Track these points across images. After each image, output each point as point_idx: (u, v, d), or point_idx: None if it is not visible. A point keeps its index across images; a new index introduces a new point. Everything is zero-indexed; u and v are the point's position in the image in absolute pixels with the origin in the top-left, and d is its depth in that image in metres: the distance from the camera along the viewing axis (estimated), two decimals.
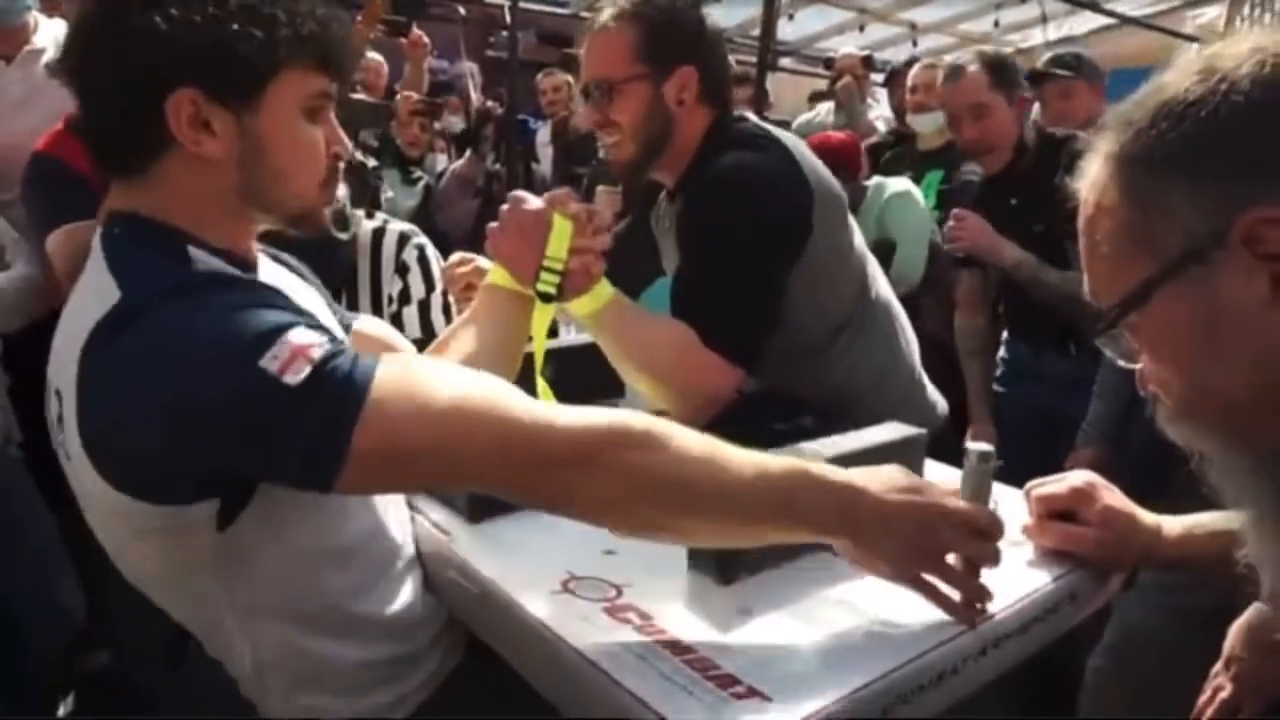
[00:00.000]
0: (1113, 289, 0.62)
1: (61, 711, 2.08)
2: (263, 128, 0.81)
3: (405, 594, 0.96)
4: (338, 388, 0.70)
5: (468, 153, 3.74)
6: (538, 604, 0.85)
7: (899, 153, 3.05)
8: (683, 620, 0.83)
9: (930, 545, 0.80)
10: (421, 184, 4.09)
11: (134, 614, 0.97)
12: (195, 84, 0.78)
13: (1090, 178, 0.63)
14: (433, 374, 0.76)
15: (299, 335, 0.71)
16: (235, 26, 0.78)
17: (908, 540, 0.79)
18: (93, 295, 0.76)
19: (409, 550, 0.99)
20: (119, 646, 1.99)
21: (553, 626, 0.81)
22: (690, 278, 1.25)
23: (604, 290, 1.18)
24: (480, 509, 1.04)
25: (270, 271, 0.95)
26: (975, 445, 0.84)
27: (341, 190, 1.58)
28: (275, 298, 0.78)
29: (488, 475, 0.76)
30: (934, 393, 1.52)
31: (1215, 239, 0.57)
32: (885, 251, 2.53)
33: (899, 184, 2.66)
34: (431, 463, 0.74)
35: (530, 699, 0.84)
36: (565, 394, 1.19)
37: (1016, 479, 1.04)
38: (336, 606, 0.90)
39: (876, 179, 2.72)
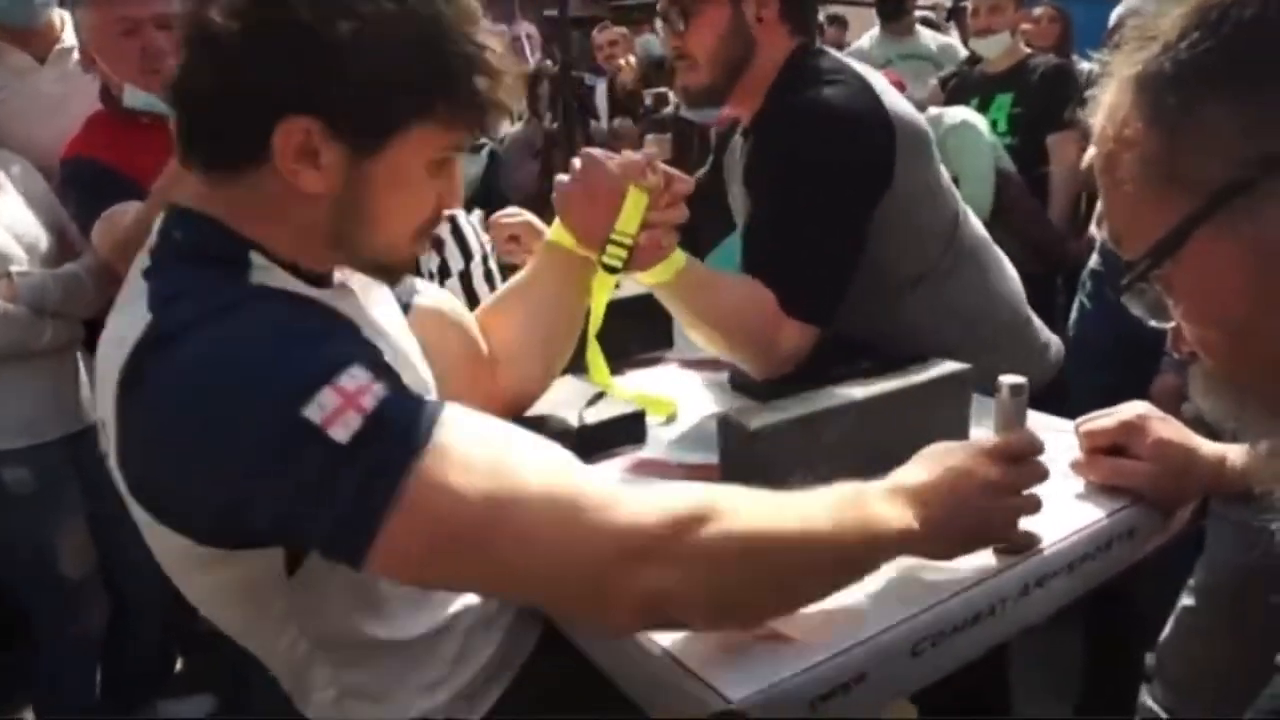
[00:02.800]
0: (1140, 234, 0.53)
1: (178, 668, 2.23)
2: (377, 173, 0.71)
3: (470, 621, 0.86)
4: (387, 445, 0.60)
5: (524, 115, 3.73)
6: None
7: (964, 78, 2.90)
8: None
9: (984, 499, 0.76)
10: (485, 150, 4.12)
11: None
12: (318, 115, 0.67)
13: (1106, 106, 0.54)
14: (502, 433, 0.67)
15: (352, 378, 0.61)
16: (389, 68, 0.67)
17: (975, 508, 0.75)
18: (128, 318, 0.68)
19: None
20: None
21: None
22: (765, 229, 1.19)
23: (675, 261, 1.08)
24: None
25: (344, 289, 0.82)
26: (1007, 378, 0.79)
27: None
28: (336, 324, 0.70)
29: (549, 587, 0.65)
30: (1045, 334, 1.43)
31: (1266, 164, 0.47)
32: None
33: (956, 115, 2.53)
34: (480, 562, 0.64)
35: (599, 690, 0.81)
36: (610, 347, 1.19)
37: (1099, 406, 0.96)
38: (400, 640, 0.81)
39: (933, 110, 2.60)
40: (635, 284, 1.14)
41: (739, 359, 1.19)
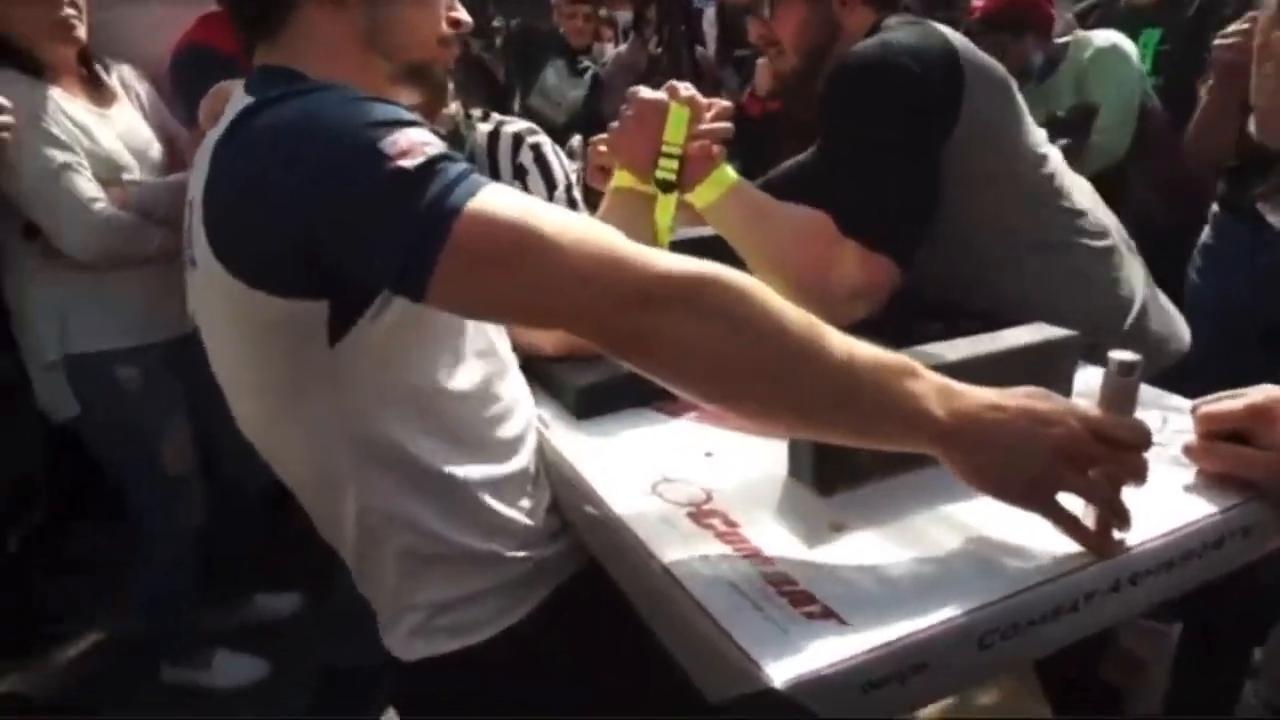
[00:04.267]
0: None
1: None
2: None
3: (520, 473, 0.92)
4: (449, 179, 0.70)
5: (630, 37, 3.63)
6: (622, 502, 0.83)
7: (1106, 9, 2.64)
8: (769, 531, 0.78)
9: (1058, 459, 0.69)
10: (589, 74, 4.05)
11: None
12: None
13: (1262, 19, 0.48)
14: (543, 201, 0.75)
15: (418, 133, 0.72)
16: None
17: (1030, 450, 0.69)
18: (229, 113, 0.80)
19: (527, 435, 0.95)
20: None
21: (630, 526, 0.79)
22: (822, 160, 1.18)
23: (725, 176, 1.14)
24: (588, 405, 1.03)
25: None
26: (1117, 353, 0.71)
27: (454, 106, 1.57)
28: (400, 109, 0.77)
29: (581, 297, 0.70)
30: (1167, 324, 1.29)
31: None
32: (1085, 117, 2.23)
33: (1106, 37, 2.31)
34: (528, 272, 0.70)
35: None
36: None
37: (1210, 390, 0.86)
38: (445, 473, 0.86)
39: (1081, 33, 2.39)
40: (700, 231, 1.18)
41: (797, 297, 1.13)
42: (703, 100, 1.14)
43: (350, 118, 0.72)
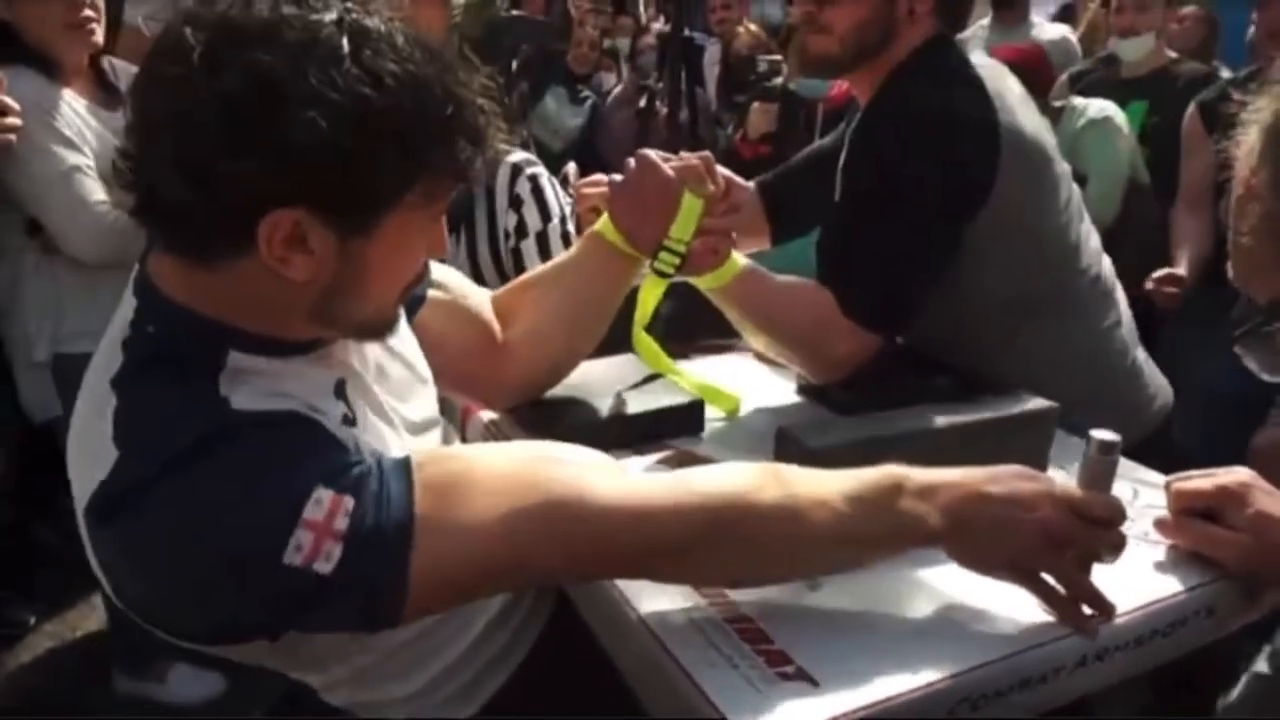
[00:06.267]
0: (1263, 284, 0.51)
1: None
2: (370, 253, 0.68)
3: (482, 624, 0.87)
4: (375, 557, 0.63)
5: (626, 70, 3.67)
6: None
7: (1098, 79, 2.71)
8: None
9: (1039, 541, 0.72)
10: (588, 103, 4.08)
11: None
12: (306, 205, 0.63)
13: (1244, 148, 0.51)
14: (476, 479, 0.68)
15: (319, 506, 0.62)
16: (376, 147, 0.63)
17: (1014, 534, 0.71)
18: (94, 441, 0.65)
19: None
20: None
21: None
22: (839, 225, 1.14)
23: (732, 266, 1.06)
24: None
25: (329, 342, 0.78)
26: (1098, 433, 0.73)
27: None
28: (296, 434, 0.66)
29: (566, 577, 0.77)
30: (1154, 383, 1.31)
31: None
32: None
33: (1101, 107, 2.36)
34: (495, 581, 0.72)
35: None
36: (680, 331, 1.15)
37: (1194, 464, 0.89)
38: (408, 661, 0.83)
39: (1076, 100, 2.44)
40: None
41: (792, 362, 1.15)
42: (721, 189, 1.02)
43: (244, 534, 0.61)
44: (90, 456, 0.65)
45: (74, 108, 1.72)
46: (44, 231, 1.72)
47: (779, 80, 3.17)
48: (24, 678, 2.15)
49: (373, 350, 0.82)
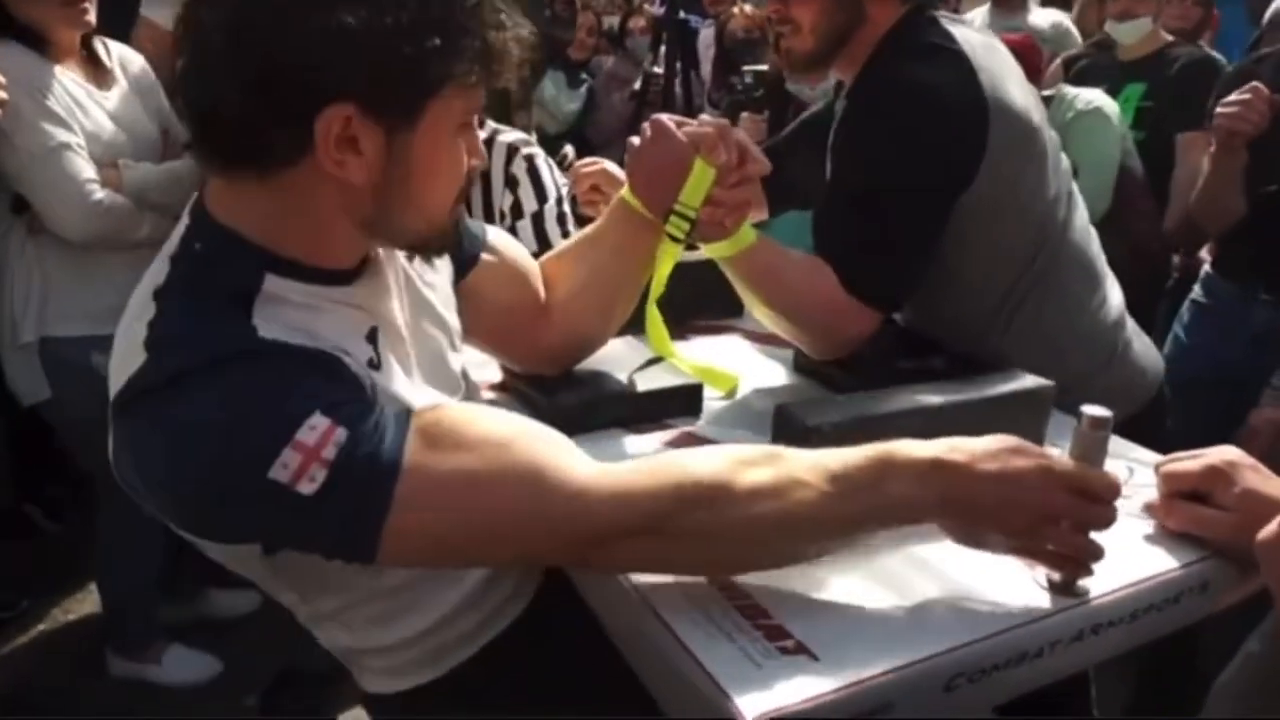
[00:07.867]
0: None
1: None
2: (415, 148, 0.70)
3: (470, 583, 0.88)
4: (358, 489, 0.65)
5: (617, 50, 3.66)
6: None
7: (1094, 63, 2.70)
8: None
9: (1035, 516, 0.72)
10: (585, 87, 4.06)
11: None
12: (355, 98, 0.65)
13: None
14: (470, 438, 0.70)
15: (313, 431, 0.63)
16: (415, 32, 0.66)
17: (1010, 511, 0.72)
18: (129, 340, 0.70)
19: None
20: None
21: None
22: (836, 205, 1.14)
23: (744, 237, 1.06)
24: (565, 425, 1.03)
25: (371, 275, 0.81)
26: (1089, 408, 0.73)
27: None
28: (309, 366, 0.68)
29: (544, 555, 0.76)
30: (1144, 358, 1.31)
31: None
32: None
33: (1090, 98, 2.34)
34: (474, 544, 0.71)
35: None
36: (676, 311, 1.15)
37: (1185, 444, 0.88)
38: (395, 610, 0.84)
39: (1066, 89, 2.43)
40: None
41: (796, 339, 1.15)
42: (735, 159, 1.00)
43: (239, 443, 0.64)
44: (125, 358, 0.69)
45: (65, 86, 1.70)
46: (30, 210, 1.70)
47: (761, 93, 3.13)
48: (15, 661, 2.15)
49: (414, 309, 0.85)
